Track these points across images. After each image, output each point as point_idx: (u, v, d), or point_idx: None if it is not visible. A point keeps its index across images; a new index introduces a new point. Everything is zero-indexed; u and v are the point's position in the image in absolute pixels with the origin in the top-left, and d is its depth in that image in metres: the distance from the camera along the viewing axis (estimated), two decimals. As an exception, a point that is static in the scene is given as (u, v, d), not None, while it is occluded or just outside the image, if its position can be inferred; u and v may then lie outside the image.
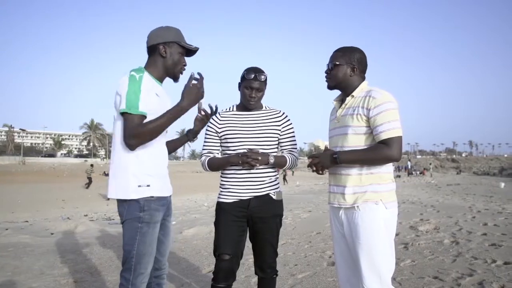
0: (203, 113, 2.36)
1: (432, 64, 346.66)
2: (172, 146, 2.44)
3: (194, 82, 2.06)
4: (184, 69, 2.17)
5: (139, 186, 1.95)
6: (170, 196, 2.21)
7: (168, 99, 2.23)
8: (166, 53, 2.08)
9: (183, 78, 2.17)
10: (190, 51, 2.17)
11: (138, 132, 1.89)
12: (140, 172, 1.97)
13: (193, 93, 2.03)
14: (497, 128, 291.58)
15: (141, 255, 1.95)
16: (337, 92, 2.23)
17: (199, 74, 2.10)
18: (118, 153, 1.99)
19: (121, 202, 1.98)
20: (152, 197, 1.98)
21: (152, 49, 2.10)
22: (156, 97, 2.02)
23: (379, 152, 1.93)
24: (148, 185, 1.97)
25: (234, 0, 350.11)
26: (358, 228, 1.97)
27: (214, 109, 2.42)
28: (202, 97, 2.09)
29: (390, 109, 1.93)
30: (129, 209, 1.96)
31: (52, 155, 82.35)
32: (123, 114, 1.91)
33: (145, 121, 1.95)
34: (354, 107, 2.03)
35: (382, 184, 1.99)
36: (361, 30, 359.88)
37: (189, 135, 2.44)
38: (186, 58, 2.19)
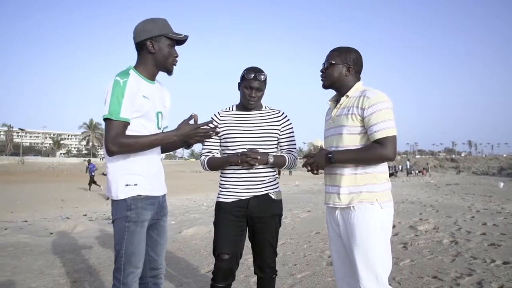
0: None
1: (432, 64, 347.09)
2: (167, 146, 2.35)
3: (192, 121, 2.04)
4: (176, 61, 2.10)
5: (127, 185, 1.96)
6: (164, 195, 2.18)
7: (163, 94, 2.19)
8: (155, 49, 2.02)
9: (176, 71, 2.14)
10: (180, 41, 2.10)
11: (119, 141, 1.87)
12: (128, 172, 1.97)
13: (188, 129, 2.01)
14: (496, 128, 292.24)
15: (130, 254, 1.94)
16: (332, 93, 2.23)
17: (211, 126, 2.08)
18: (108, 154, 1.98)
19: (112, 202, 2.00)
20: (140, 196, 1.97)
21: (139, 46, 2.04)
22: (144, 99, 1.98)
23: (373, 151, 1.93)
24: (136, 184, 1.97)
25: (234, 0, 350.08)
26: (354, 229, 1.98)
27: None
28: (196, 138, 2.06)
29: (384, 109, 1.93)
30: (117, 208, 1.97)
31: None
32: (105, 120, 1.90)
33: (135, 122, 1.95)
34: (349, 107, 2.03)
35: (377, 184, 1.99)
36: (360, 30, 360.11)
37: (184, 144, 2.31)
38: (178, 48, 2.13)
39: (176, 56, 2.09)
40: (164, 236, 2.20)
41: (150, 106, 2.02)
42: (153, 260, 2.13)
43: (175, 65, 2.11)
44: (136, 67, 2.05)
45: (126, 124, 1.91)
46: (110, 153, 1.90)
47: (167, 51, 2.04)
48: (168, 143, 2.06)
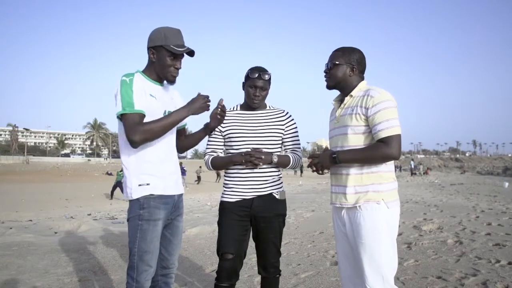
0: (219, 110, 2.36)
1: (436, 63, 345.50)
2: (191, 142, 2.43)
3: (205, 96, 2.15)
4: (177, 72, 2.13)
5: (140, 185, 2.00)
6: (181, 195, 2.22)
7: (172, 95, 2.25)
8: (155, 57, 2.09)
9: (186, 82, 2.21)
10: (189, 52, 2.14)
11: (139, 129, 1.91)
12: (141, 172, 2.02)
13: (199, 101, 2.10)
14: (501, 128, 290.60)
15: (143, 252, 1.98)
16: (337, 92, 2.23)
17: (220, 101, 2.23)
18: (122, 156, 2.05)
19: (128, 202, 2.06)
20: (152, 195, 2.01)
21: (147, 52, 2.13)
22: (151, 98, 2.04)
23: (378, 150, 1.93)
24: (148, 184, 2.01)
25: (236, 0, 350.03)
26: (360, 228, 1.97)
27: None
28: (206, 109, 2.17)
29: (388, 108, 1.92)
30: (131, 207, 2.03)
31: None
32: (121, 116, 1.95)
33: (145, 120, 1.98)
34: (353, 106, 2.03)
35: (384, 184, 1.99)
36: (363, 30, 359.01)
37: (206, 130, 2.42)
38: (189, 58, 2.18)
39: (177, 68, 2.12)
40: (178, 236, 2.22)
41: (157, 105, 2.07)
42: (165, 259, 2.16)
43: (174, 76, 2.14)
44: (143, 71, 2.13)
45: (142, 115, 1.96)
46: (134, 144, 1.94)
47: (166, 62, 2.08)
48: (181, 118, 2.11)
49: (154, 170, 2.04)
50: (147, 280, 2.01)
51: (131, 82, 1.97)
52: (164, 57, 2.07)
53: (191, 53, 2.15)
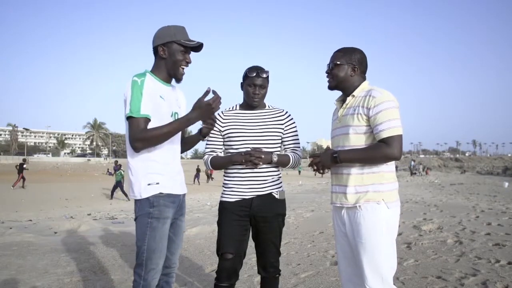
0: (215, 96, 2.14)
1: (436, 63, 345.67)
2: (185, 146, 2.40)
3: (208, 97, 2.05)
4: (187, 66, 2.17)
5: (149, 184, 2.02)
6: (184, 195, 2.24)
7: (177, 95, 2.26)
8: (165, 54, 2.10)
9: (191, 81, 2.18)
10: (195, 48, 2.17)
11: (142, 136, 1.94)
12: (149, 172, 2.04)
13: (203, 107, 2.04)
14: (501, 128, 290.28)
15: (152, 250, 2.00)
16: (338, 93, 2.23)
17: (214, 92, 2.08)
18: (130, 156, 2.07)
19: (135, 201, 2.07)
20: (161, 193, 2.04)
21: (155, 52, 2.14)
22: (160, 99, 2.06)
23: (379, 150, 1.93)
24: (158, 183, 2.04)
25: (235, 0, 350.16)
26: (360, 228, 1.97)
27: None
28: (212, 113, 2.09)
29: (390, 108, 1.93)
30: (140, 206, 2.04)
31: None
32: (127, 118, 1.97)
33: (150, 124, 2.00)
34: (355, 106, 2.03)
35: (384, 184, 1.99)
36: (363, 30, 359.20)
37: (200, 136, 2.37)
38: (195, 54, 2.20)
39: (188, 62, 2.15)
40: (179, 235, 2.24)
41: (166, 106, 2.10)
42: (167, 259, 2.17)
43: (183, 70, 2.15)
44: (152, 71, 2.14)
45: (147, 120, 1.98)
46: (136, 149, 1.97)
47: (178, 57, 2.11)
48: (186, 126, 2.09)
49: (162, 170, 2.07)
50: (154, 278, 2.03)
51: (142, 83, 1.99)
52: (176, 52, 2.10)
53: (198, 48, 2.17)
